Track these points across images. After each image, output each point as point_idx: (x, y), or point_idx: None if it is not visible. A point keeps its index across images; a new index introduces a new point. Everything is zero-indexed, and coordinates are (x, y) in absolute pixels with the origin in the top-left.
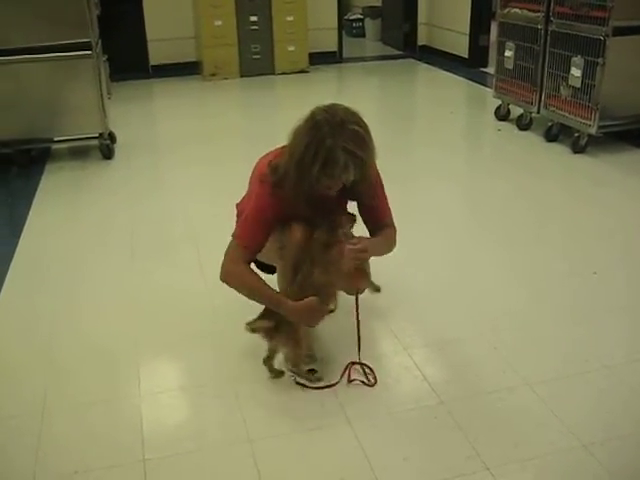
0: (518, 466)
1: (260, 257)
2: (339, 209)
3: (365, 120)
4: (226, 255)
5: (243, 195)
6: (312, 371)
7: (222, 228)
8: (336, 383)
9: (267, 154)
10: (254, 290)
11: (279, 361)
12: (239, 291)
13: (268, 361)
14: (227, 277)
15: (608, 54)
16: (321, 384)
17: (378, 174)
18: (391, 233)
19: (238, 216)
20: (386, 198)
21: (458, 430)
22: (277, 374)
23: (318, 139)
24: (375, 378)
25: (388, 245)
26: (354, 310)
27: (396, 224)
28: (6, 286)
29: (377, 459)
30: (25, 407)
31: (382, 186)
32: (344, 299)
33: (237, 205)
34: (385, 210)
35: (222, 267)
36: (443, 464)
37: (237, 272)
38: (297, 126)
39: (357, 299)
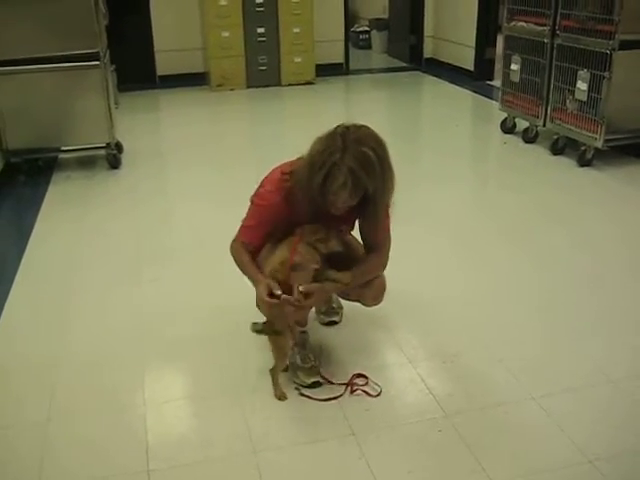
0: None
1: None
2: (341, 227)
3: (387, 148)
4: (236, 235)
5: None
6: (316, 383)
7: (228, 236)
8: (340, 395)
9: (281, 164)
10: (241, 262)
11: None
12: (235, 262)
13: (273, 371)
14: (230, 250)
15: (614, 68)
16: (325, 396)
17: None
18: (373, 262)
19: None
20: (387, 223)
21: (463, 444)
22: (279, 393)
23: (329, 151)
24: (379, 390)
25: (367, 274)
26: (359, 322)
27: (401, 235)
28: (13, 293)
29: (381, 472)
30: (29, 416)
31: (387, 214)
32: (348, 311)
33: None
34: (378, 233)
35: (232, 242)
36: (448, 478)
37: (233, 248)
38: (320, 135)
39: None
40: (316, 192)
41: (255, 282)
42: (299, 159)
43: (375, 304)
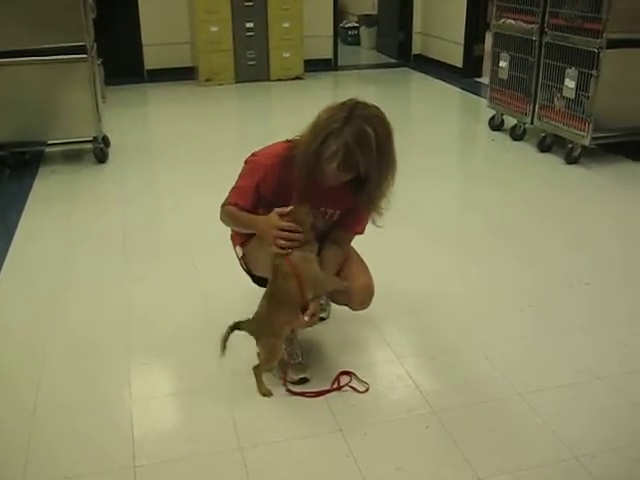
0: (509, 477)
1: (255, 271)
2: (329, 210)
3: (393, 137)
4: (225, 199)
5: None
6: (304, 379)
7: (216, 231)
8: (328, 391)
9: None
10: (234, 217)
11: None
12: (227, 224)
13: (257, 369)
14: (221, 216)
15: (602, 66)
16: (312, 392)
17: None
18: (339, 254)
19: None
20: (365, 222)
21: (450, 440)
22: (264, 390)
23: (332, 119)
24: (367, 386)
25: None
26: (346, 319)
27: (388, 232)
28: None
29: (369, 468)
30: (15, 411)
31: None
32: (336, 307)
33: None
34: (357, 227)
35: (221, 207)
36: (435, 474)
37: (223, 211)
38: (330, 104)
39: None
40: (311, 156)
41: (258, 221)
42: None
43: (362, 308)
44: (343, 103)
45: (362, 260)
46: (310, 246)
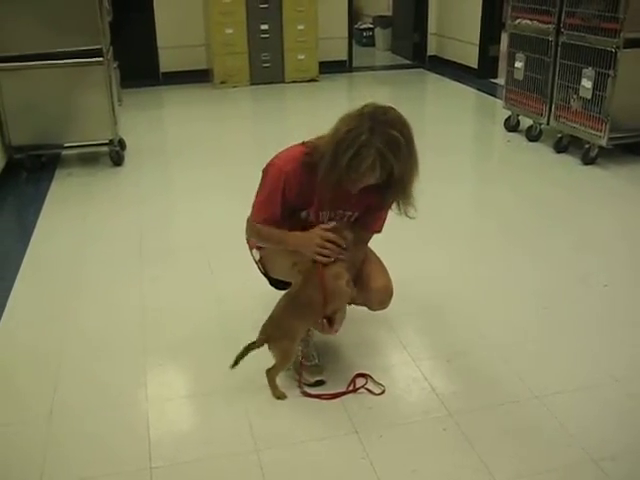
0: None
1: (272, 273)
2: (349, 213)
3: (413, 134)
4: (248, 220)
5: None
6: (319, 382)
7: (232, 234)
8: (343, 393)
9: (302, 142)
10: (265, 236)
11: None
12: (255, 240)
13: (270, 373)
14: (247, 232)
15: (619, 66)
16: (328, 394)
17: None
18: (359, 254)
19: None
20: (385, 218)
21: (467, 443)
22: (278, 393)
23: (358, 131)
24: (383, 388)
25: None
26: (362, 320)
27: (404, 234)
28: (15, 291)
29: (385, 470)
30: (31, 413)
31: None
32: (351, 309)
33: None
34: (377, 225)
35: (247, 223)
36: (451, 477)
37: (251, 228)
38: (347, 112)
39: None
40: (343, 171)
41: (294, 237)
42: (320, 138)
43: (381, 308)
44: (360, 112)
45: (380, 261)
46: (343, 263)
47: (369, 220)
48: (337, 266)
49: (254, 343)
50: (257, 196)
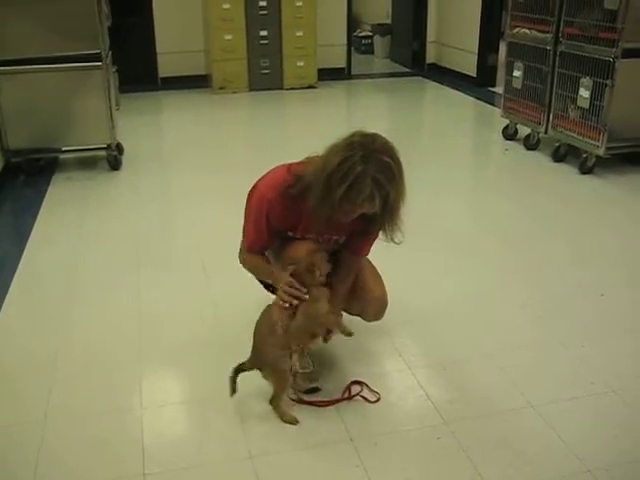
0: None
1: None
2: (334, 237)
3: (400, 158)
4: (241, 247)
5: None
6: (314, 389)
7: (228, 240)
8: (338, 400)
9: (287, 164)
10: (254, 269)
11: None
12: (250, 272)
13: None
14: (242, 264)
15: (617, 76)
16: (323, 401)
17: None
18: (347, 280)
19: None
20: (373, 242)
21: (461, 451)
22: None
23: (350, 162)
24: (378, 396)
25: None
26: (358, 328)
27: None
28: (10, 295)
29: (379, 479)
30: (26, 417)
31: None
32: (347, 316)
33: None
34: (367, 245)
35: (239, 255)
36: None
37: (243, 260)
38: (334, 142)
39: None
40: (336, 204)
41: (272, 276)
42: (306, 163)
43: (376, 319)
44: (349, 142)
45: (376, 271)
46: (318, 290)
47: (357, 244)
48: (316, 290)
49: (244, 364)
50: (245, 222)
